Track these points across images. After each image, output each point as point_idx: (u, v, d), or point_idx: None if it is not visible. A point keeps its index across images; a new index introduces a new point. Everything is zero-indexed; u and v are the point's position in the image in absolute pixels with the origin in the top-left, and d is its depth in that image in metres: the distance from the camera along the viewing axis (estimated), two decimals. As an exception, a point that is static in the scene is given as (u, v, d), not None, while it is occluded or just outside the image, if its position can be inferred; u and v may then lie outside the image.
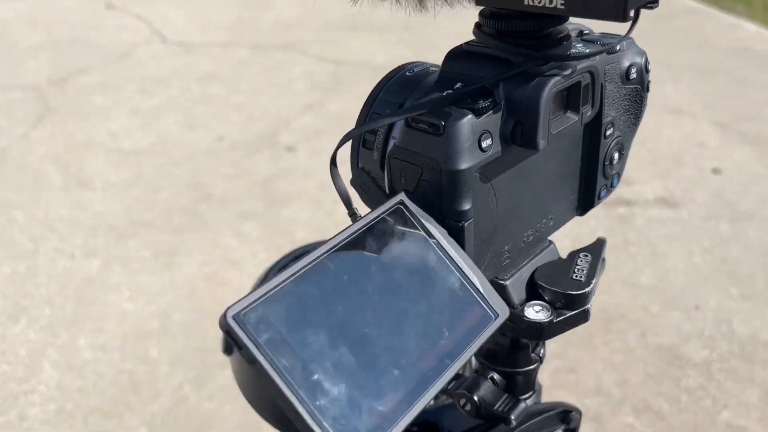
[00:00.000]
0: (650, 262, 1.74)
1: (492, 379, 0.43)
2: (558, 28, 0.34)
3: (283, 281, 0.28)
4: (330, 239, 0.31)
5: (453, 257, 0.33)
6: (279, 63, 2.94)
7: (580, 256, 0.42)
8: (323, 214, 1.93)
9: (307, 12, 3.58)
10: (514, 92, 0.33)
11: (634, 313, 1.57)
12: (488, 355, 0.43)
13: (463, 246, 0.34)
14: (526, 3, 0.31)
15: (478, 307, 0.33)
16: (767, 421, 1.30)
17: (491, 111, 0.33)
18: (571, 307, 0.38)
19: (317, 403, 0.26)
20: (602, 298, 1.60)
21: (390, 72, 0.41)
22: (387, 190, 0.36)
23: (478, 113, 0.32)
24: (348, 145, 0.38)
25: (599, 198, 0.44)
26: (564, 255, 0.43)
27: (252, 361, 0.26)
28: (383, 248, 0.32)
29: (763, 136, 2.37)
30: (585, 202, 0.44)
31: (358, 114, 0.39)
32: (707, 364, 1.43)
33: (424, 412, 0.46)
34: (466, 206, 0.33)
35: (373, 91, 0.40)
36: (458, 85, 0.34)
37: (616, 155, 0.43)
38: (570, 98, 0.35)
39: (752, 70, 2.91)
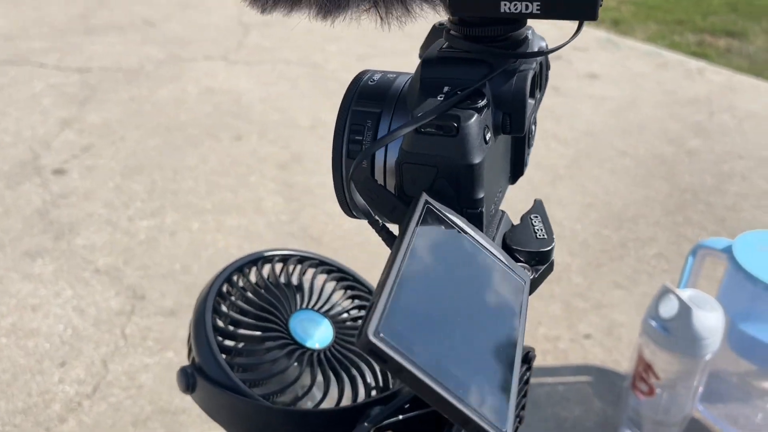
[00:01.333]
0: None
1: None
2: (522, 30, 0.40)
3: (388, 295, 0.30)
4: (396, 250, 0.33)
5: (479, 240, 0.38)
6: (13, 79, 2.62)
7: (532, 218, 0.48)
8: (122, 234, 1.80)
9: (26, 20, 3.21)
10: (500, 89, 0.38)
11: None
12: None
13: (481, 229, 0.38)
14: (503, 10, 0.36)
15: (512, 277, 0.38)
16: (573, 328, 1.54)
17: (486, 108, 0.38)
18: (543, 262, 0.45)
19: (460, 391, 0.29)
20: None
21: (351, 84, 0.43)
22: (395, 194, 0.39)
23: (479, 111, 0.37)
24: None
25: (526, 165, 0.51)
26: (516, 221, 0.49)
27: (399, 369, 0.28)
28: (435, 245, 0.35)
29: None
30: (516, 171, 0.50)
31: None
32: (516, 291, 1.64)
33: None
34: (482, 194, 0.38)
35: (343, 105, 0.42)
36: (446, 88, 0.38)
37: (534, 127, 0.50)
38: (532, 86, 0.41)
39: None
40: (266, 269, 0.61)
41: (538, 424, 1.32)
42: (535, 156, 2.25)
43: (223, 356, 0.53)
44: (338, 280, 0.62)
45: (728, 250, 1.21)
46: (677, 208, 1.98)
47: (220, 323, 0.55)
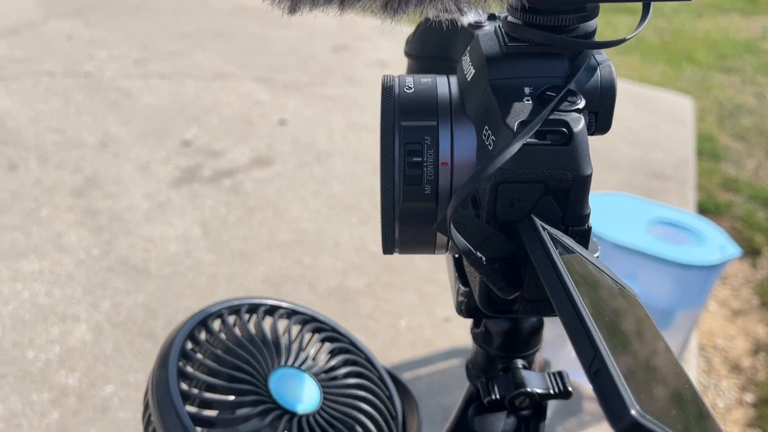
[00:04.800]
0: (279, 219, 1.83)
1: (524, 366, 0.43)
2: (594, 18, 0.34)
3: (609, 353, 0.24)
4: (563, 293, 0.27)
5: (592, 261, 0.32)
6: None
7: None
8: None
9: None
10: (586, 85, 0.33)
11: (295, 270, 1.65)
12: (509, 347, 0.43)
13: (586, 248, 0.33)
14: None
15: (632, 297, 0.33)
16: (431, 313, 1.56)
17: (585, 109, 0.32)
18: None
19: None
20: (260, 268, 1.63)
21: (384, 97, 0.34)
22: (485, 221, 0.32)
23: (581, 113, 0.31)
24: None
25: None
26: None
27: None
28: (578, 275, 0.29)
29: (296, 83, 2.64)
30: None
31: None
32: (370, 287, 1.61)
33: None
34: (589, 209, 0.32)
35: (385, 123, 0.34)
36: (528, 89, 0.32)
37: None
38: None
39: (258, 26, 3.18)
40: (219, 328, 0.49)
41: (426, 416, 1.31)
42: (350, 149, 2.23)
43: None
44: (314, 331, 0.53)
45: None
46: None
47: (189, 390, 0.43)
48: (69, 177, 1.93)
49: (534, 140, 0.30)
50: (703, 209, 2.16)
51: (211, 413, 0.44)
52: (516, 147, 0.29)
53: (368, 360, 0.55)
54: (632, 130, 2.51)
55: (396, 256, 1.71)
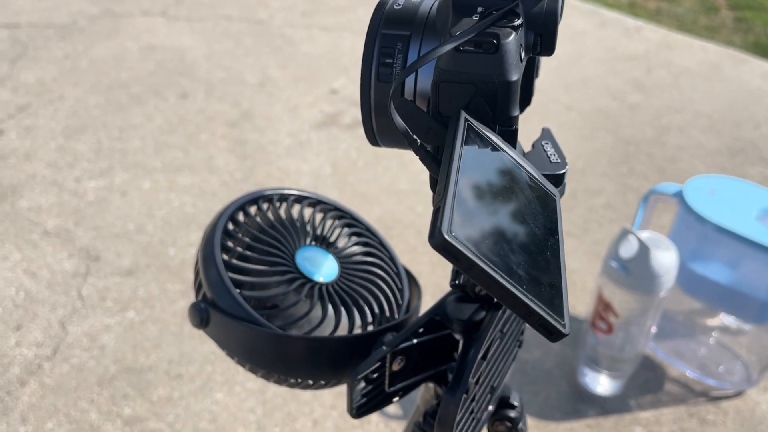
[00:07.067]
0: (403, 168, 1.94)
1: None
2: None
3: (452, 199, 0.32)
4: (449, 161, 0.34)
5: (514, 157, 0.39)
6: (-66, 35, 2.45)
7: (543, 144, 0.50)
8: (70, 195, 1.74)
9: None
10: (532, 9, 0.39)
11: (406, 216, 1.75)
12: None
13: (514, 146, 0.40)
14: None
15: (546, 191, 0.40)
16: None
17: (522, 27, 0.39)
18: (557, 185, 0.47)
19: (523, 287, 0.31)
20: (376, 210, 1.76)
21: (375, 10, 0.43)
22: (431, 114, 0.40)
23: (516, 30, 0.38)
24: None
25: (532, 94, 0.52)
26: (528, 149, 0.51)
27: (471, 266, 0.30)
28: (479, 159, 0.36)
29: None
30: (525, 102, 0.52)
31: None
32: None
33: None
34: (517, 112, 0.39)
35: (370, 29, 0.42)
36: (481, 9, 0.39)
37: (540, 59, 0.51)
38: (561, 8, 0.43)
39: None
40: (267, 207, 0.61)
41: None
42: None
43: (237, 290, 0.53)
44: (338, 218, 0.63)
45: (679, 195, 1.28)
46: (622, 160, 2.06)
47: (229, 259, 0.55)
48: (228, 109, 2.17)
49: (470, 48, 0.37)
50: None
51: (247, 278, 0.55)
52: (444, 49, 0.36)
53: (382, 244, 0.64)
54: (797, 125, 2.32)
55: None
